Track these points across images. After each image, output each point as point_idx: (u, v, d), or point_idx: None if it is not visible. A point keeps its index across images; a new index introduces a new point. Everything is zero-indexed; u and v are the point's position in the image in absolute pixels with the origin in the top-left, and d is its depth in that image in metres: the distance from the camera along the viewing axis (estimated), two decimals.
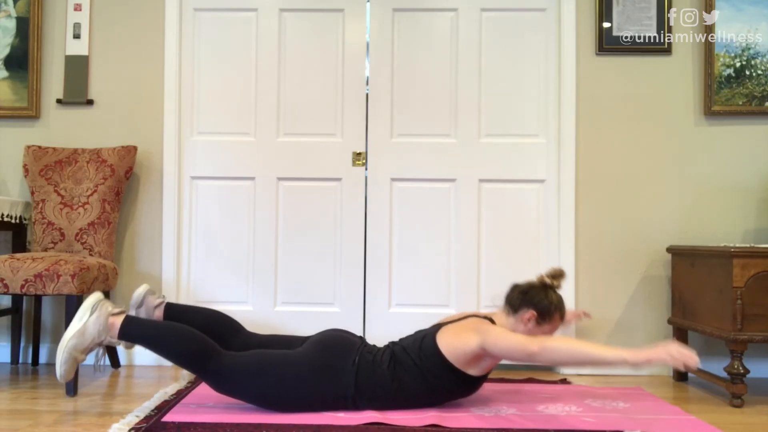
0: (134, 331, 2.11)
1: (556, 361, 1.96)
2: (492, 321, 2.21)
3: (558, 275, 2.27)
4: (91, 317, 2.10)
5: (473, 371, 2.12)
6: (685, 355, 1.82)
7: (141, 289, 2.52)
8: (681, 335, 2.86)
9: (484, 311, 2.49)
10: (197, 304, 3.07)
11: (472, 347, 2.06)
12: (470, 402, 2.28)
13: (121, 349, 3.01)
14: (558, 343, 1.95)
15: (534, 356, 1.95)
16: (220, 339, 2.43)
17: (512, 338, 2.01)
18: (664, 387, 2.72)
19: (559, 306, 2.22)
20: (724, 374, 2.50)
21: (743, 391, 2.40)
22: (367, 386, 2.10)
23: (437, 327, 2.21)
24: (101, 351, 2.17)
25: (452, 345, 2.09)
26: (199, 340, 2.10)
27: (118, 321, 2.11)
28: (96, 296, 2.16)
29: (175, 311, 2.51)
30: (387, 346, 2.23)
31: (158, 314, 2.49)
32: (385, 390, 2.11)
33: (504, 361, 3.00)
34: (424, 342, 2.16)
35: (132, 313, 2.50)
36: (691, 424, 2.09)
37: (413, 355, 2.14)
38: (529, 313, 2.18)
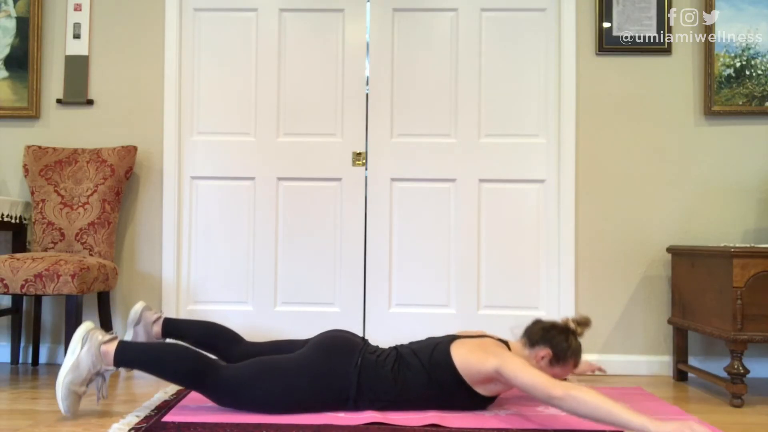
0: (128, 356, 2.07)
1: (575, 411, 1.85)
2: (508, 346, 2.20)
3: (584, 323, 2.24)
4: (83, 349, 2.05)
5: (481, 390, 2.11)
6: None
7: (138, 306, 2.54)
8: (681, 335, 2.86)
9: (496, 335, 2.44)
10: (197, 304, 3.08)
11: (487, 369, 2.03)
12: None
13: None
14: (583, 394, 1.84)
15: (554, 400, 1.87)
16: (219, 351, 2.44)
17: (536, 375, 1.93)
18: (664, 387, 2.72)
19: (575, 353, 2.19)
20: (724, 374, 2.50)
21: (743, 391, 2.40)
22: (370, 387, 2.09)
23: (452, 337, 2.20)
24: (100, 380, 2.10)
25: (467, 359, 2.07)
26: (194, 357, 2.07)
27: (111, 348, 2.06)
28: (86, 326, 2.11)
29: (173, 326, 2.53)
30: (393, 348, 2.22)
31: (156, 330, 2.51)
32: (387, 391, 2.10)
33: None
34: (437, 349, 2.13)
35: (130, 330, 2.52)
36: None
37: (423, 360, 2.12)
38: (545, 351, 2.15)
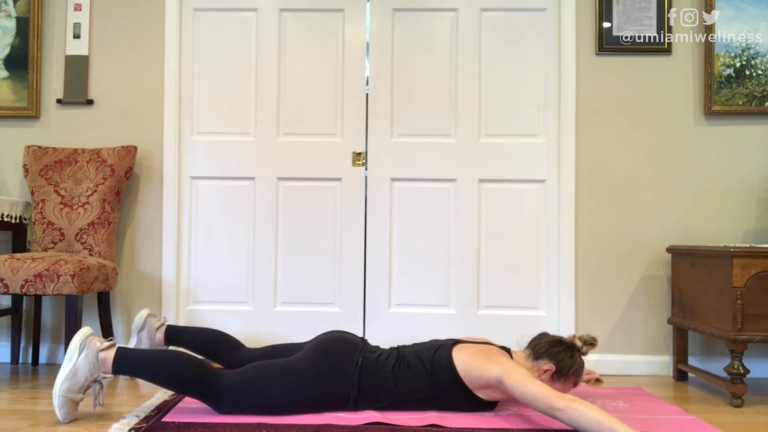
0: (127, 363, 2.04)
1: (576, 424, 1.85)
2: (510, 354, 2.20)
3: (590, 343, 2.23)
4: (81, 356, 2.02)
5: (481, 394, 2.11)
6: None
7: (143, 313, 2.59)
8: (681, 335, 2.86)
9: (497, 342, 2.43)
10: (197, 304, 3.09)
11: (489, 376, 2.03)
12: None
13: None
14: (585, 407, 1.85)
15: (556, 411, 1.88)
16: (220, 358, 2.45)
17: (540, 387, 1.93)
18: (664, 387, 2.72)
19: (578, 371, 2.18)
20: (724, 374, 2.50)
21: (743, 391, 2.40)
22: (370, 387, 2.09)
23: (455, 341, 2.20)
24: (97, 387, 2.07)
25: (469, 364, 2.07)
26: (193, 364, 2.06)
27: (110, 355, 2.03)
28: (83, 333, 2.07)
29: (175, 332, 2.56)
30: (394, 349, 2.22)
31: (159, 336, 2.54)
32: (387, 391, 2.10)
33: None
34: (438, 351, 2.14)
35: (134, 336, 2.55)
36: (691, 424, 2.09)
37: (425, 361, 2.12)
38: (549, 366, 2.14)
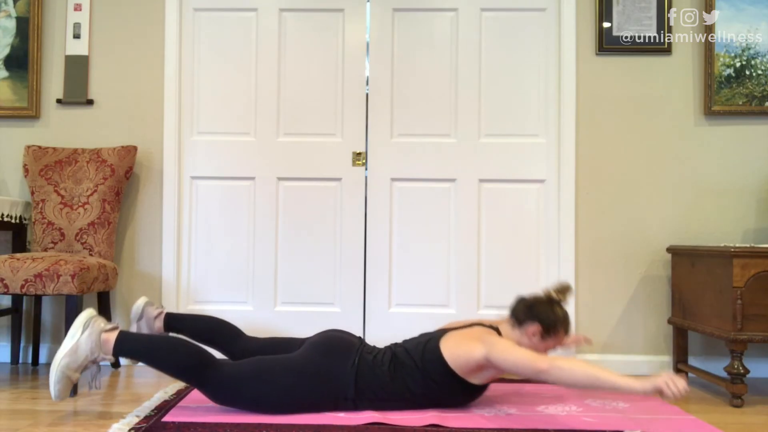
0: (128, 346, 2.07)
1: (564, 381, 1.91)
2: (498, 331, 2.21)
3: (564, 290, 2.25)
4: (84, 334, 2.05)
5: (475, 380, 2.11)
6: (677, 382, 1.85)
7: (140, 302, 2.55)
8: (681, 335, 2.86)
9: (488, 318, 2.47)
10: (197, 304, 3.09)
11: (476, 357, 2.04)
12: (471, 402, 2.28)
13: None
14: (568, 363, 1.91)
15: (542, 373, 1.92)
16: (220, 346, 2.44)
17: (521, 353, 1.98)
18: None
19: (564, 321, 2.20)
20: (724, 374, 2.50)
21: (743, 391, 2.40)
22: (367, 387, 2.10)
23: (442, 332, 2.20)
24: (95, 369, 2.09)
25: (455, 353, 2.08)
26: (194, 351, 2.07)
27: (112, 337, 2.06)
28: (88, 313, 2.11)
29: (174, 320, 2.54)
30: (388, 347, 2.22)
31: (158, 325, 2.52)
32: (386, 390, 2.10)
33: None
34: (427, 346, 2.14)
35: (133, 326, 2.54)
36: (691, 424, 2.09)
37: (416, 358, 2.13)
38: (534, 327, 2.16)
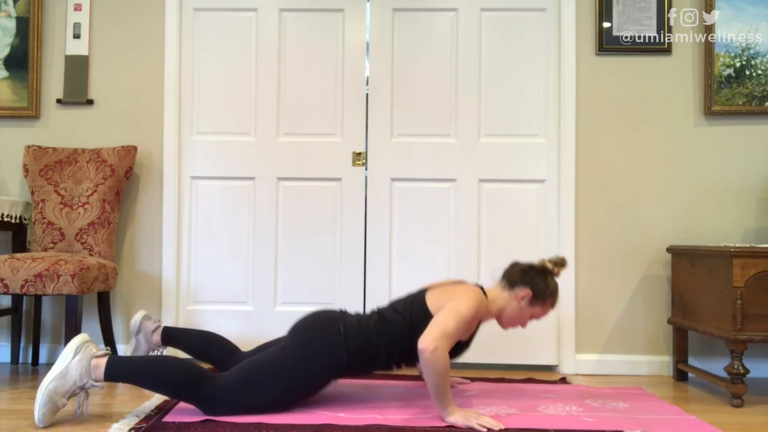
0: (119, 370, 2.04)
1: (426, 369, 1.96)
2: (483, 291, 2.23)
3: (560, 263, 2.29)
4: (74, 359, 2.01)
5: None
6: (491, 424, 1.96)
7: (138, 316, 2.57)
8: (681, 335, 2.86)
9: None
10: (197, 304, 3.09)
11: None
12: (471, 402, 2.28)
13: (122, 348, 3.02)
14: (443, 364, 1.96)
15: (422, 352, 1.96)
16: (215, 360, 2.45)
17: (445, 322, 2.01)
18: (664, 387, 2.72)
19: (553, 292, 2.26)
20: (724, 374, 2.50)
21: (743, 391, 2.40)
22: (358, 350, 2.12)
23: (426, 288, 2.25)
24: (83, 396, 2.04)
25: (437, 305, 2.12)
26: (186, 367, 2.05)
27: (103, 362, 2.03)
28: (81, 337, 2.08)
29: (171, 334, 2.54)
30: (373, 310, 2.26)
31: (156, 338, 2.53)
32: (375, 350, 2.12)
33: (504, 361, 3.02)
34: (414, 301, 2.19)
35: (133, 340, 2.55)
36: (691, 424, 2.09)
37: (404, 313, 2.16)
38: (525, 292, 2.21)
